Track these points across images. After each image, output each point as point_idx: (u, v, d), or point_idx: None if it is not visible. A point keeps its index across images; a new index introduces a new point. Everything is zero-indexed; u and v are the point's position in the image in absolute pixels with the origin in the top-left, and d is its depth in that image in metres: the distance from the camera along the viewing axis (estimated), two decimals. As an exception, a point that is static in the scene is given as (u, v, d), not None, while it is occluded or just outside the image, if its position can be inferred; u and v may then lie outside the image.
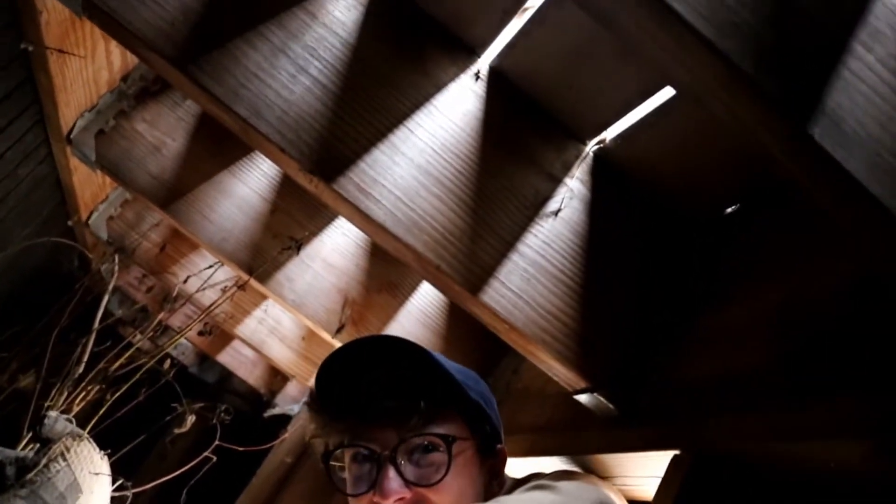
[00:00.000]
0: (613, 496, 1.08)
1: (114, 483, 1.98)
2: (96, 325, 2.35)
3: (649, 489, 1.19)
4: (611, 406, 1.21)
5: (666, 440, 1.07)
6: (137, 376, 2.14)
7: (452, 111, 1.24)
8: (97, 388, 2.25)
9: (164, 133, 2.00)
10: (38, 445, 1.78)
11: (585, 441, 1.27)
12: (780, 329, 1.03)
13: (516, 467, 1.55)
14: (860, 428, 0.80)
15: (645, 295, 1.27)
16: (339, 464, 1.16)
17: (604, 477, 1.34)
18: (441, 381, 1.07)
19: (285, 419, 3.16)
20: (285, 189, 1.98)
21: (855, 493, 0.90)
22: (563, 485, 0.97)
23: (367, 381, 1.07)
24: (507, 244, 1.20)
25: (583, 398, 1.23)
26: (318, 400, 1.13)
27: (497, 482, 1.18)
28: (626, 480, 1.29)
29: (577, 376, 1.20)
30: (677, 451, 1.05)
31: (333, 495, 2.60)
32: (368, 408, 1.07)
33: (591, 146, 1.33)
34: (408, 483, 1.05)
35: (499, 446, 1.20)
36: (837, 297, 0.97)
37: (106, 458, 1.82)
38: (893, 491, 0.85)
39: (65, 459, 1.69)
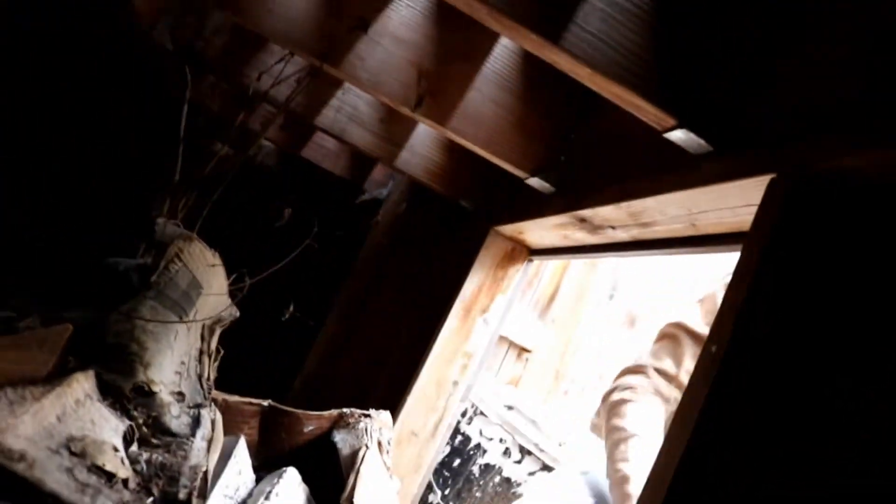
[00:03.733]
0: None
1: (230, 276, 2.11)
2: (182, 134, 2.41)
3: (747, 219, 1.19)
4: (702, 141, 1.20)
5: (760, 165, 1.06)
6: (230, 178, 2.21)
7: None
8: (195, 194, 2.34)
9: (209, -75, 1.93)
10: (154, 252, 1.89)
11: (682, 177, 1.27)
12: (871, 50, 0.98)
13: (609, 213, 1.58)
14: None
15: (730, 22, 1.21)
16: None
17: (701, 213, 1.34)
18: None
19: (376, 203, 3.25)
20: (341, -33, 1.90)
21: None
22: None
23: None
24: (582, -15, 1.15)
25: (674, 135, 1.22)
26: None
27: None
28: (723, 214, 1.29)
29: (666, 113, 1.18)
30: (773, 175, 1.04)
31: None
32: None
33: None
34: None
35: None
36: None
37: (217, 254, 1.92)
38: None
39: (181, 260, 1.79)
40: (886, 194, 0.96)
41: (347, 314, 3.19)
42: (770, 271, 0.99)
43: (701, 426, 0.93)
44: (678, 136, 1.21)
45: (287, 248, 2.43)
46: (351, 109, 2.51)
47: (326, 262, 3.36)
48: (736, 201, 1.20)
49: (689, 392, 0.98)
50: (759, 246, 1.01)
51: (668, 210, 1.40)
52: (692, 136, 1.19)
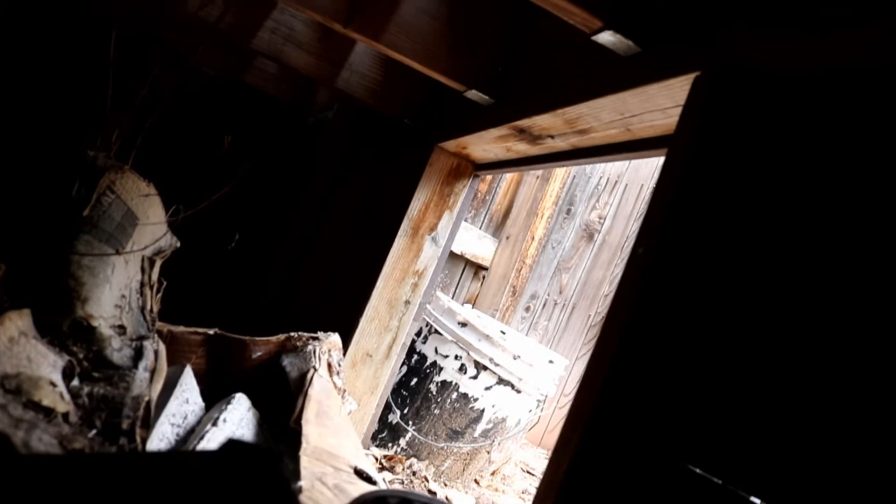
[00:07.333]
0: None
1: (168, 209, 2.07)
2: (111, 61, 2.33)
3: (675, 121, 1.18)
4: (630, 42, 1.18)
5: (685, 64, 1.05)
6: (164, 104, 2.15)
7: None
8: (127, 124, 2.28)
9: None
10: (85, 186, 1.84)
11: (612, 81, 1.25)
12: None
13: (546, 121, 1.56)
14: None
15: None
16: None
17: (634, 117, 1.33)
18: None
19: (324, 125, 3.19)
20: None
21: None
22: None
23: None
24: None
25: (602, 38, 1.19)
26: None
27: None
28: (655, 116, 1.28)
29: (592, 15, 1.15)
30: (697, 73, 1.03)
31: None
32: None
33: None
34: None
35: None
36: None
37: (151, 184, 1.88)
38: None
39: (113, 192, 1.75)
40: (810, 85, 0.95)
41: (303, 237, 3.17)
42: (697, 171, 0.98)
43: (630, 335, 0.93)
44: (606, 38, 1.19)
45: (233, 176, 2.38)
46: (287, 30, 2.44)
47: (279, 188, 3.31)
48: (666, 102, 1.19)
49: (617, 297, 0.98)
50: (685, 144, 1.00)
51: (603, 115, 1.38)
52: (619, 37, 1.17)
